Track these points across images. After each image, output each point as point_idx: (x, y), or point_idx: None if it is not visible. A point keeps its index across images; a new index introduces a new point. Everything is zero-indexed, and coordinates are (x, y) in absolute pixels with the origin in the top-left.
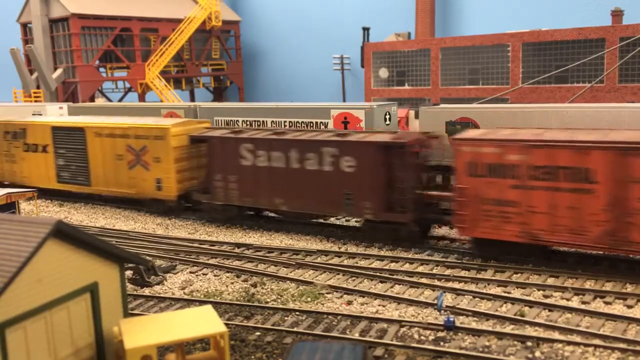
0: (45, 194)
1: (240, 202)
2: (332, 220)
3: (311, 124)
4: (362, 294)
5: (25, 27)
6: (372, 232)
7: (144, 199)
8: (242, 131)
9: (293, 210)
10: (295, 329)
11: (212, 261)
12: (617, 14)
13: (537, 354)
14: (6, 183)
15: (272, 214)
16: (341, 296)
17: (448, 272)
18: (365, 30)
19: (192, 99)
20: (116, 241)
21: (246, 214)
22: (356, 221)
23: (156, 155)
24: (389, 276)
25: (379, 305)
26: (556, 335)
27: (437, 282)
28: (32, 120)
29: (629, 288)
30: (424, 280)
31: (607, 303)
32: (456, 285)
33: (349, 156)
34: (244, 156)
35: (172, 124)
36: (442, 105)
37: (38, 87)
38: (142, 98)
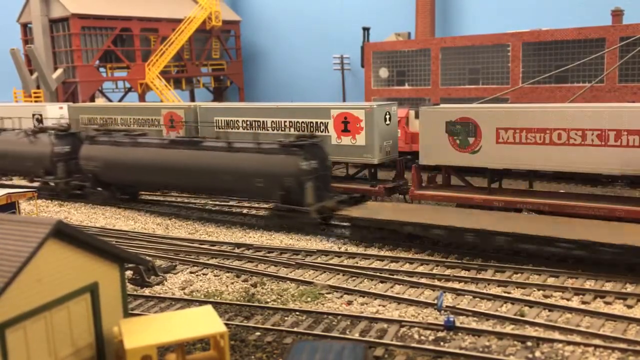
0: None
1: None
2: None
3: (311, 124)
4: (362, 294)
5: (26, 28)
6: None
7: None
8: None
9: None
10: (295, 329)
11: (212, 261)
12: (617, 14)
13: (537, 354)
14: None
15: None
16: (341, 296)
17: (448, 272)
18: (365, 30)
19: (192, 99)
20: (116, 241)
21: None
22: None
23: None
24: (389, 276)
25: (379, 305)
26: (556, 335)
27: (437, 282)
28: None
29: (629, 288)
30: (424, 280)
31: (607, 303)
32: (456, 285)
33: None
34: None
35: None
36: (442, 105)
37: (38, 87)
38: (142, 98)
